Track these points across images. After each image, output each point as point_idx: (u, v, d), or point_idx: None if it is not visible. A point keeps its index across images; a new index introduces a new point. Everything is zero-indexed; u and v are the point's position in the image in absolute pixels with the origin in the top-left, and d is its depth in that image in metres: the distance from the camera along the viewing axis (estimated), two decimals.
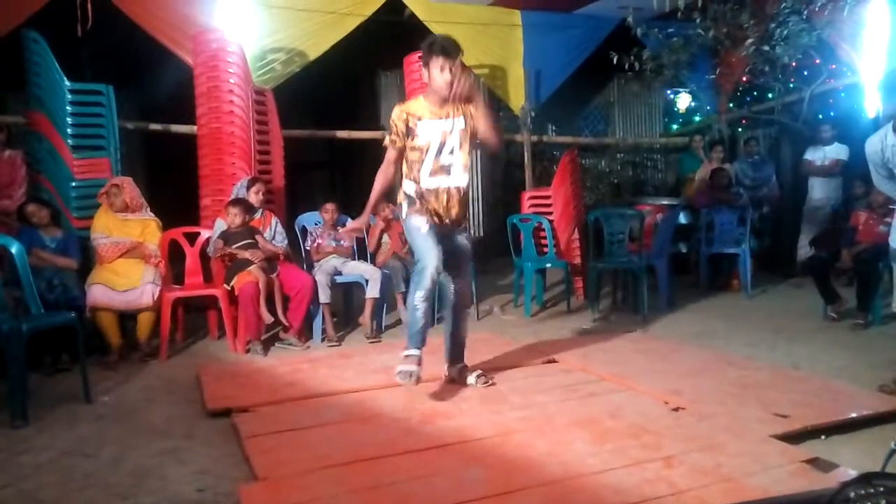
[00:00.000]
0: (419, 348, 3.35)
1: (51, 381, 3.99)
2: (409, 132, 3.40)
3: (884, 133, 3.57)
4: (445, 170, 3.42)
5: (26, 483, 2.59)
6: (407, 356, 3.32)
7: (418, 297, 3.30)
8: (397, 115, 3.42)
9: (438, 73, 3.34)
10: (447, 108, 3.41)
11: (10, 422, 3.20)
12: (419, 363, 3.31)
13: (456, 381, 3.64)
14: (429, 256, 3.31)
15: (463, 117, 3.43)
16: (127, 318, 4.58)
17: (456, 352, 3.70)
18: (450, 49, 3.34)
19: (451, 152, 3.41)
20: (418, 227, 3.37)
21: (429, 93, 3.46)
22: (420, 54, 3.47)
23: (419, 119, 3.39)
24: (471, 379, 3.61)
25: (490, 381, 3.61)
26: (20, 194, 5.00)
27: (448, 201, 3.43)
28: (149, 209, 4.84)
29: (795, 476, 2.36)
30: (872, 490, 0.90)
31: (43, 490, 2.53)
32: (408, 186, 3.45)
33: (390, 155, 3.49)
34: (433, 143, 3.38)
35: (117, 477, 2.63)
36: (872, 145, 3.63)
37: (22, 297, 3.74)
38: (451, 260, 3.51)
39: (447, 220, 3.46)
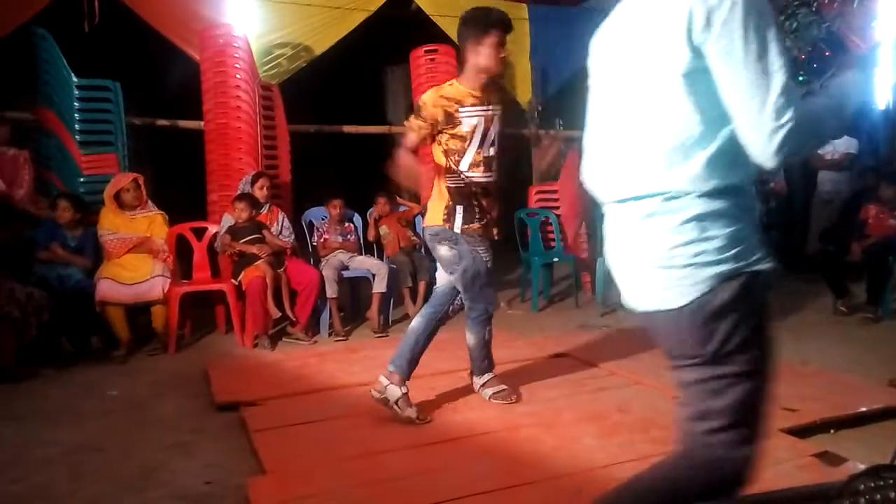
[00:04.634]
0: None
1: (61, 376, 4.01)
2: (449, 119, 2.96)
3: None
4: (487, 164, 3.00)
5: (37, 477, 2.61)
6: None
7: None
8: (432, 100, 2.97)
9: (493, 50, 2.91)
10: (487, 93, 3.02)
11: None
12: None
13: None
14: (493, 300, 3.20)
15: (501, 105, 3.07)
16: (136, 313, 4.60)
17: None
18: (508, 23, 2.95)
19: (493, 143, 3.02)
20: (477, 256, 3.00)
21: (467, 75, 3.00)
22: (466, 28, 2.95)
23: (460, 104, 2.96)
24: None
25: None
26: (21, 194, 4.98)
27: (490, 199, 3.04)
28: (152, 204, 4.87)
29: (804, 470, 2.36)
30: (882, 482, 0.89)
31: (54, 484, 2.55)
32: (451, 180, 3.02)
33: (410, 140, 3.00)
34: (478, 131, 2.97)
35: (126, 470, 2.65)
36: None
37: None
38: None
39: (490, 222, 3.06)
